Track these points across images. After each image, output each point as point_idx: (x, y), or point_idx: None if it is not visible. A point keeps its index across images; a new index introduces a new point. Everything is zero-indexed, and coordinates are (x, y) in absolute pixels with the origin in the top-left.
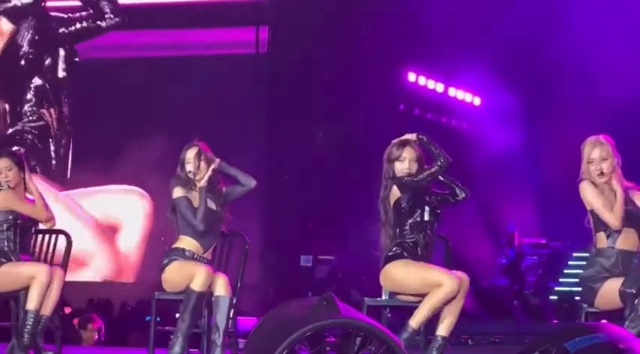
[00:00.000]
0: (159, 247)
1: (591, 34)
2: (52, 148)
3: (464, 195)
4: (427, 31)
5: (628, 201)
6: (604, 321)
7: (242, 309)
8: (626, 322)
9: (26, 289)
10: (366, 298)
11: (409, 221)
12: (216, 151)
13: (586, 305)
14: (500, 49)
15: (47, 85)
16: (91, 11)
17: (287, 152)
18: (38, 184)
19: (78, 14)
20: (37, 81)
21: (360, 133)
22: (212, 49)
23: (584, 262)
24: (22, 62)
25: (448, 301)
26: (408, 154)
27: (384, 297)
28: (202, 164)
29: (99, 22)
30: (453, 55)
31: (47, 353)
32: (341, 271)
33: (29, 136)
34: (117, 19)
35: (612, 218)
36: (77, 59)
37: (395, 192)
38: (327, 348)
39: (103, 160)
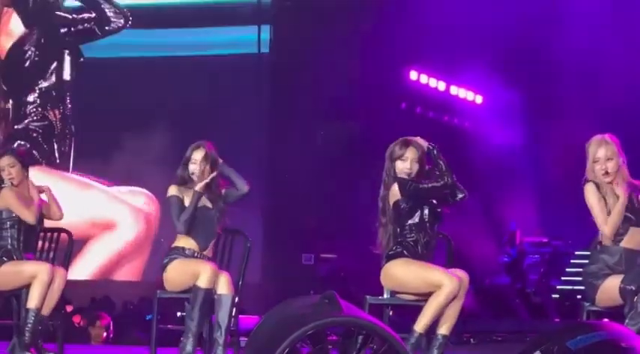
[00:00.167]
0: (161, 246)
1: (593, 31)
2: (56, 146)
3: (462, 195)
4: (429, 30)
5: (635, 200)
6: (606, 319)
7: (244, 307)
8: (626, 320)
9: (28, 287)
10: (368, 297)
11: (409, 221)
12: (218, 150)
13: (588, 304)
14: (502, 48)
15: (52, 87)
16: (94, 14)
17: (288, 151)
18: (43, 171)
19: (82, 16)
20: (42, 83)
21: (361, 132)
22: (214, 48)
23: (587, 261)
24: (27, 64)
25: (449, 302)
26: (410, 154)
27: (385, 295)
28: (207, 168)
29: (104, 26)
30: (455, 53)
31: (48, 353)
32: (343, 269)
33: (33, 135)
34: (121, 22)
35: (605, 228)
36: (82, 59)
37: (395, 192)
38: (329, 346)
39: (105, 158)
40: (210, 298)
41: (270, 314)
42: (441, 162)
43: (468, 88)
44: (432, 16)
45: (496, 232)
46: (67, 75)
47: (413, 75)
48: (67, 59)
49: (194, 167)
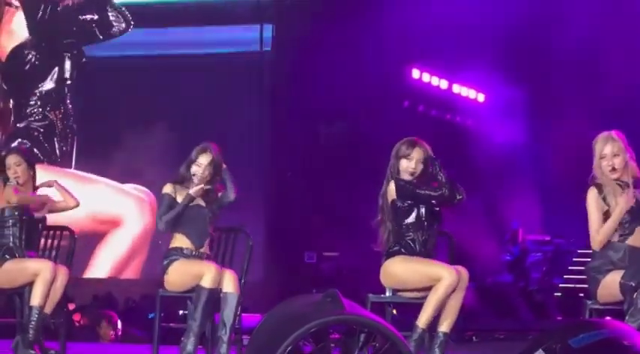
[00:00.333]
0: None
1: (594, 28)
2: (57, 145)
3: (461, 197)
4: (431, 28)
5: None
6: (608, 317)
7: (246, 305)
8: (626, 317)
9: (30, 285)
10: (370, 295)
11: (406, 220)
12: (220, 147)
13: (590, 302)
14: (504, 46)
15: (53, 88)
16: (97, 17)
17: (291, 149)
18: (45, 169)
19: (85, 17)
20: (43, 84)
21: (364, 130)
22: (216, 46)
23: (589, 259)
24: (28, 65)
25: (449, 295)
26: (416, 154)
27: (387, 293)
28: (210, 172)
29: (106, 30)
30: (457, 52)
31: (50, 352)
32: (345, 267)
33: (34, 134)
34: (122, 26)
35: (597, 237)
36: (84, 60)
37: (392, 190)
38: (331, 344)
39: (107, 157)
40: (213, 298)
41: (273, 312)
42: (440, 174)
43: (470, 86)
44: (434, 14)
45: (498, 230)
46: (67, 75)
47: (415, 73)
48: (68, 60)
49: (197, 169)
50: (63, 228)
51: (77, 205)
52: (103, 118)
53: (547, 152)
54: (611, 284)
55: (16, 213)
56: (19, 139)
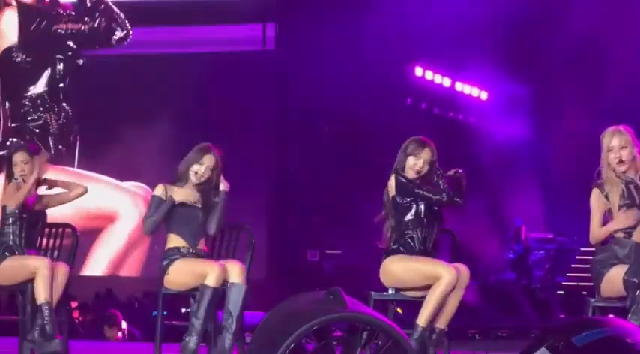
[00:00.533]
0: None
1: (596, 25)
2: (52, 145)
3: (457, 200)
4: (434, 26)
5: None
6: (611, 315)
7: (249, 303)
8: (629, 314)
9: (29, 281)
10: (372, 293)
11: (406, 217)
12: (223, 145)
13: (593, 299)
14: (507, 44)
15: (46, 90)
16: (90, 22)
17: (293, 147)
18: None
19: (81, 27)
20: (36, 86)
21: (366, 128)
22: (219, 46)
23: (591, 257)
24: (22, 65)
25: (449, 293)
26: (425, 154)
27: (390, 291)
28: (211, 175)
29: (105, 41)
30: (460, 49)
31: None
32: (348, 265)
33: (29, 133)
34: (124, 33)
35: (592, 236)
36: (80, 61)
37: (392, 186)
38: (334, 342)
39: (108, 157)
40: (217, 296)
41: (275, 310)
42: (441, 182)
43: (473, 83)
44: (436, 11)
45: (501, 228)
46: (61, 76)
47: (418, 71)
48: (61, 61)
49: (199, 168)
50: (65, 225)
51: (86, 191)
52: (102, 116)
53: (550, 150)
54: (614, 278)
55: (16, 211)
56: (11, 139)
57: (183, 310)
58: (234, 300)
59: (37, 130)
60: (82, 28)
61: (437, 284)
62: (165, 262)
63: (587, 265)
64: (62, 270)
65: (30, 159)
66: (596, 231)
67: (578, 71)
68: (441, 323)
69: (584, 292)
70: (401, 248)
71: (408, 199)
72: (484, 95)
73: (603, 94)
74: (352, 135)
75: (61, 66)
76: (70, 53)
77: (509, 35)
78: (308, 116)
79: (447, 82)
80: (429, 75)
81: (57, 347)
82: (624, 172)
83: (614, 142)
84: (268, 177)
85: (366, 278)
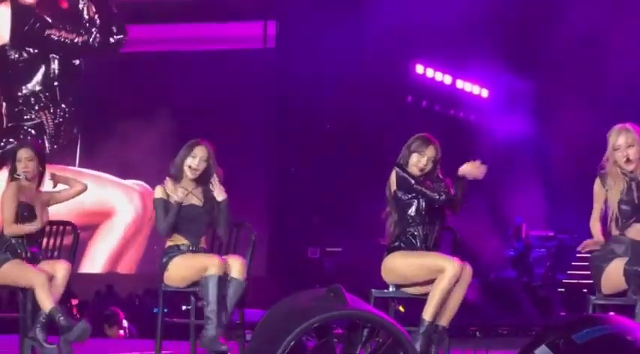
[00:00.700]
0: (159, 244)
1: (596, 21)
2: (47, 145)
3: (456, 206)
4: (434, 23)
5: None
6: (612, 313)
7: (249, 300)
8: (636, 309)
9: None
10: (373, 290)
11: (408, 213)
12: (224, 144)
13: (594, 297)
14: (507, 41)
15: (41, 88)
16: (85, 35)
17: (294, 145)
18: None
19: (78, 38)
20: (31, 84)
21: (368, 125)
22: (220, 43)
23: (589, 255)
24: (16, 65)
25: (453, 286)
26: (430, 152)
27: (391, 289)
28: (205, 166)
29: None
30: (461, 47)
31: (52, 346)
32: (348, 262)
33: (24, 133)
34: (121, 36)
35: (591, 223)
36: (77, 62)
37: (393, 180)
38: (335, 339)
39: (108, 155)
40: (223, 283)
41: (276, 307)
42: (442, 185)
43: (474, 81)
44: (436, 8)
45: (502, 225)
46: (58, 75)
47: (419, 68)
48: (58, 60)
49: (192, 161)
50: (65, 223)
51: (86, 188)
52: (101, 115)
53: (550, 148)
54: (614, 271)
55: (17, 209)
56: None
57: (183, 307)
58: (231, 295)
59: (33, 131)
60: (76, 39)
61: (441, 277)
62: (164, 259)
63: (588, 263)
64: (64, 267)
65: (34, 156)
66: (591, 223)
67: (578, 68)
68: (443, 321)
69: (585, 290)
70: (402, 245)
71: (409, 195)
72: (485, 93)
73: (604, 90)
74: (353, 133)
75: (55, 65)
76: (64, 54)
77: (509, 33)
78: (308, 114)
79: (447, 79)
80: (429, 73)
81: (83, 326)
82: (631, 172)
83: (621, 141)
84: (268, 175)
85: (367, 276)
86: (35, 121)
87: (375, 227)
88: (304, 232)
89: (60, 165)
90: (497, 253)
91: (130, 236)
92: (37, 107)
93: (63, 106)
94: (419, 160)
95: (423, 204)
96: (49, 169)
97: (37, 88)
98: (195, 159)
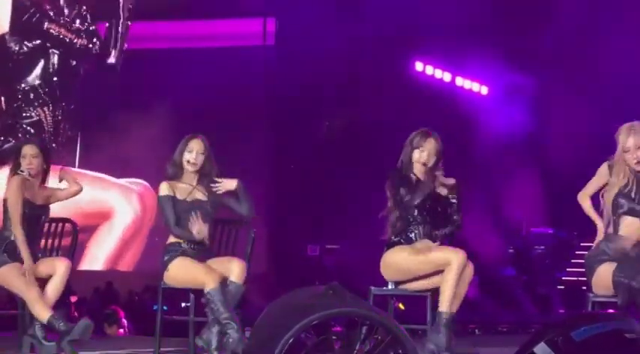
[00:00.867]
0: (161, 237)
1: (595, 18)
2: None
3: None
4: (433, 21)
5: None
6: (610, 310)
7: (248, 297)
8: None
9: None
10: (372, 288)
11: (410, 212)
12: (224, 141)
13: (592, 295)
14: (506, 39)
15: (40, 82)
16: (85, 39)
17: (293, 142)
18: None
19: (77, 40)
20: (29, 78)
21: (366, 123)
22: (220, 40)
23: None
24: (13, 62)
25: (461, 275)
26: (429, 145)
27: (390, 286)
28: (203, 158)
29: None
30: (460, 44)
31: (51, 343)
32: (348, 260)
33: (22, 132)
34: (117, 62)
35: (580, 195)
36: (74, 63)
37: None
38: (333, 337)
39: (107, 151)
40: (224, 290)
41: (275, 304)
42: (458, 215)
43: (473, 79)
44: (436, 6)
45: (502, 223)
46: (57, 70)
47: (418, 66)
48: (57, 55)
49: (190, 156)
50: (65, 220)
51: (81, 189)
52: (102, 112)
53: (550, 145)
54: (604, 275)
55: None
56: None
57: (183, 304)
58: (229, 298)
59: (32, 129)
60: (75, 40)
61: (448, 269)
62: (166, 258)
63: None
64: (64, 265)
65: (39, 153)
66: (581, 196)
67: (577, 64)
68: (453, 308)
69: (584, 288)
70: (402, 241)
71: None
72: (484, 90)
73: (603, 87)
74: (352, 130)
75: (55, 60)
76: (64, 49)
77: (509, 30)
78: (308, 111)
79: (447, 77)
80: (429, 70)
81: (85, 323)
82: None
83: (630, 142)
84: (268, 172)
85: (366, 273)
86: (34, 119)
87: (374, 224)
88: (304, 230)
89: (59, 165)
90: (497, 250)
91: (129, 238)
92: (36, 103)
93: (62, 103)
94: (420, 156)
95: (428, 205)
96: (53, 170)
97: (37, 82)
98: (192, 153)
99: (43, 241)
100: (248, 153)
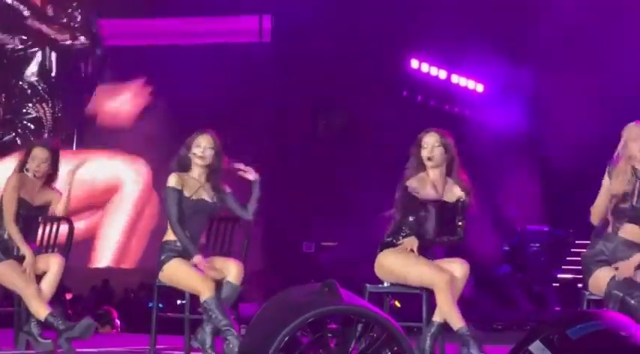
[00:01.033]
0: (158, 235)
1: (593, 12)
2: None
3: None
4: (430, 18)
5: None
6: (606, 308)
7: (244, 295)
8: None
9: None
10: (368, 285)
11: (409, 218)
12: (219, 137)
13: (588, 292)
14: (504, 36)
15: (37, 79)
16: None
17: (289, 139)
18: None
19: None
20: (27, 74)
21: (363, 120)
22: (215, 37)
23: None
24: (10, 59)
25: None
26: (429, 139)
27: (385, 284)
28: (212, 153)
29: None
30: (456, 42)
31: (47, 340)
32: (343, 257)
33: (21, 128)
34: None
35: (593, 215)
36: (71, 60)
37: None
38: (329, 334)
39: (107, 147)
40: (220, 295)
41: (270, 302)
42: (462, 220)
43: (469, 76)
44: (432, 4)
45: (497, 221)
46: (56, 66)
47: (414, 63)
48: (54, 56)
49: (198, 150)
50: (61, 218)
51: (65, 217)
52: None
53: (546, 143)
54: (600, 280)
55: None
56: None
57: (178, 302)
58: (225, 298)
59: (32, 125)
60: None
61: (436, 291)
62: (162, 257)
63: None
64: (57, 261)
65: (49, 157)
66: (594, 214)
67: (574, 63)
68: (439, 317)
69: (580, 285)
70: (394, 241)
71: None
72: (480, 88)
73: (601, 85)
74: (348, 128)
75: (52, 56)
76: (57, 47)
77: (505, 27)
78: (304, 109)
79: (442, 74)
80: (425, 67)
81: (87, 322)
82: None
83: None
84: (264, 169)
85: (362, 270)
86: (33, 115)
87: (371, 222)
88: (299, 227)
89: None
90: (493, 248)
91: (140, 210)
92: (34, 100)
93: (61, 100)
94: (424, 152)
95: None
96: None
97: (34, 78)
98: (200, 147)
99: (39, 238)
100: (244, 150)
